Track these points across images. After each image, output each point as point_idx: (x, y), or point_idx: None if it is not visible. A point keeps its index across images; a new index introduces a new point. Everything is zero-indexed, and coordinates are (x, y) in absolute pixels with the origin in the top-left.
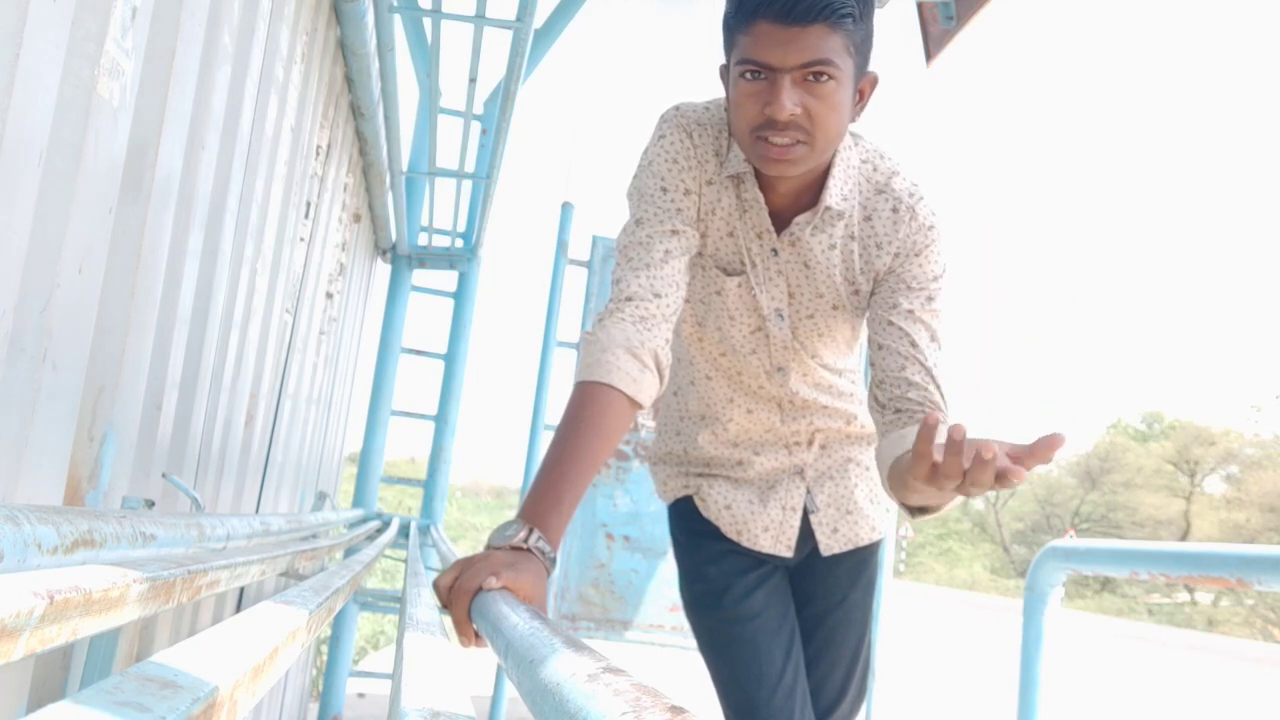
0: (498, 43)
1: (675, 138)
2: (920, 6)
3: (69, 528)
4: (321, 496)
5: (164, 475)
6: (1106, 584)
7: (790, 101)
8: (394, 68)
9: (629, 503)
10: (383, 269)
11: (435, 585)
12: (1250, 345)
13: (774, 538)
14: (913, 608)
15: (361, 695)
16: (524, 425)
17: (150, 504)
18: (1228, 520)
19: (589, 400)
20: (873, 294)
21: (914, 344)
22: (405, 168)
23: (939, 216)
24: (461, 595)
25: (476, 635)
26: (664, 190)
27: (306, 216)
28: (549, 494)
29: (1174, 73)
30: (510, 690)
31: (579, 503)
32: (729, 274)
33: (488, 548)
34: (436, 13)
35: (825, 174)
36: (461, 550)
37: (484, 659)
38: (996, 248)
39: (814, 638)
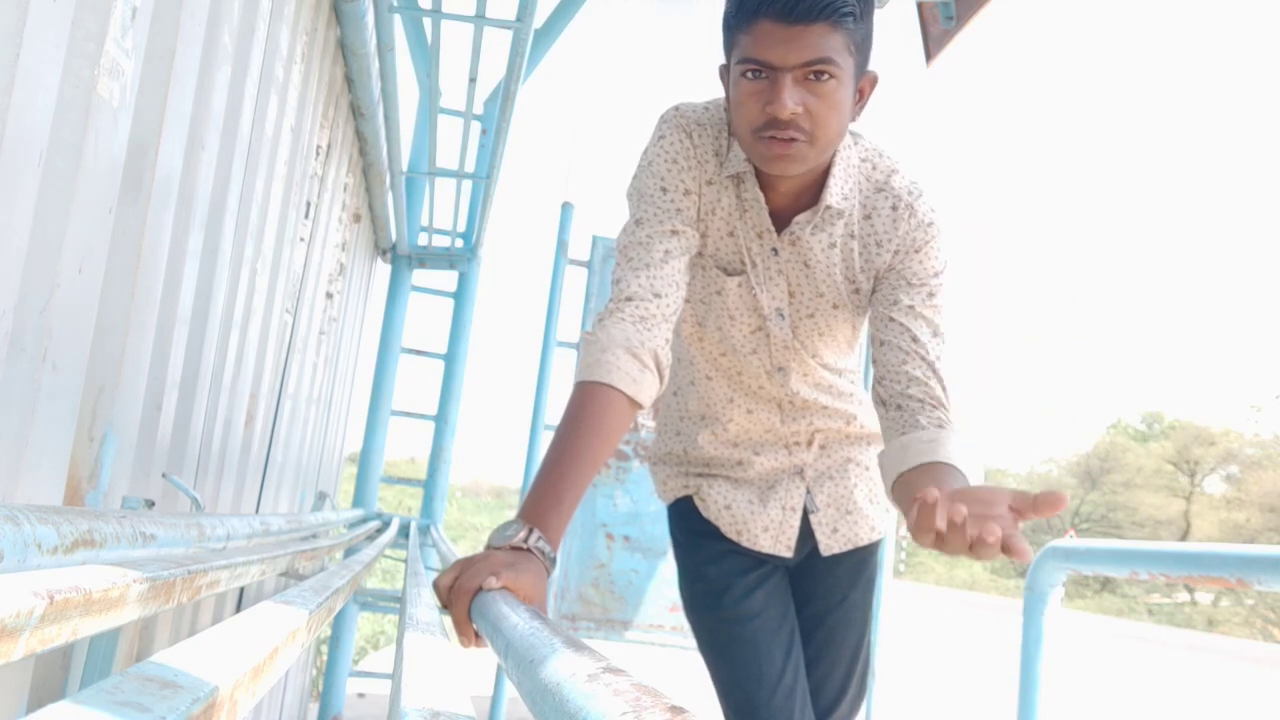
0: (498, 43)
1: (675, 138)
2: (920, 6)
3: (69, 528)
4: (321, 496)
5: (164, 475)
6: (1106, 584)
7: (792, 100)
8: (394, 68)
9: (629, 503)
10: (383, 269)
11: (435, 585)
12: (1250, 345)
13: (774, 538)
14: (913, 608)
15: (361, 695)
16: (524, 425)
17: (150, 504)
18: (1228, 520)
19: (589, 400)
20: (874, 292)
21: (915, 339)
22: (405, 168)
23: (938, 213)
24: (461, 595)
25: (476, 635)
26: (664, 190)
27: (306, 216)
28: (549, 494)
29: (1174, 72)
30: (510, 690)
31: (579, 503)
32: (729, 274)
33: (488, 548)
34: (436, 13)
35: (825, 173)
36: (461, 550)
37: (484, 659)
38: (996, 248)
39: (814, 638)
